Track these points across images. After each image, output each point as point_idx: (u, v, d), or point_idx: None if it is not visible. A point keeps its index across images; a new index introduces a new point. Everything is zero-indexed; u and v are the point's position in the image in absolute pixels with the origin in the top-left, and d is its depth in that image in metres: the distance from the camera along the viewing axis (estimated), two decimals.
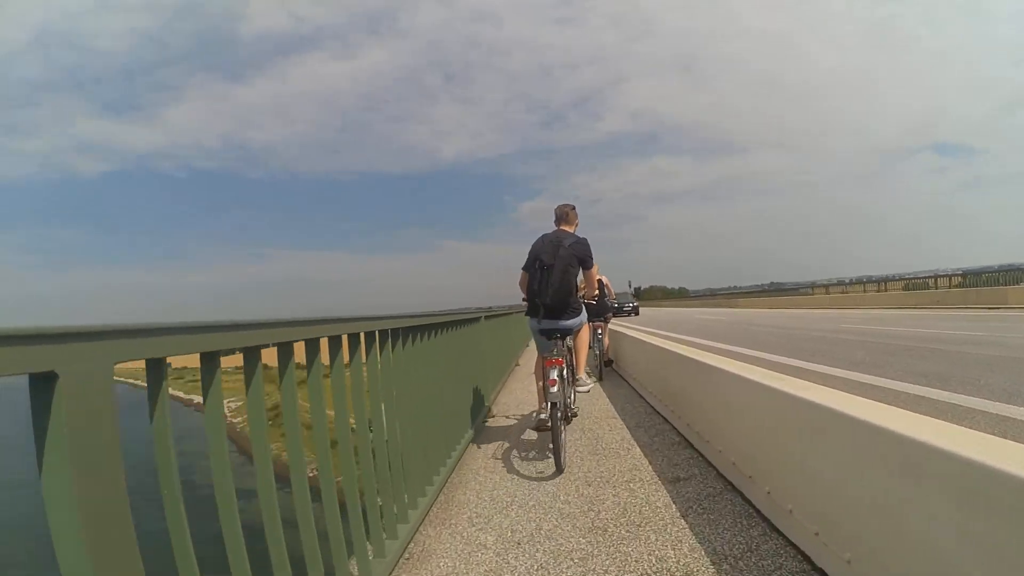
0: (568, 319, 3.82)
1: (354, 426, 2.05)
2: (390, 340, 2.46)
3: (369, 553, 1.98)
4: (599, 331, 6.96)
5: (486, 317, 5.44)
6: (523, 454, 3.81)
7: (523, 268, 3.93)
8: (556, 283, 3.67)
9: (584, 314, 4.03)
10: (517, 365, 8.86)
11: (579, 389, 4.29)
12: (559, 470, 3.23)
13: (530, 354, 11.72)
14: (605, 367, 7.30)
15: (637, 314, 28.98)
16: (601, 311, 6.87)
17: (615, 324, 8.29)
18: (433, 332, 3.22)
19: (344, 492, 1.90)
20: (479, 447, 4.06)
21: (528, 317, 3.92)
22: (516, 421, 4.97)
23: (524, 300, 4.06)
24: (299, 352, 1.71)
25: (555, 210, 4.06)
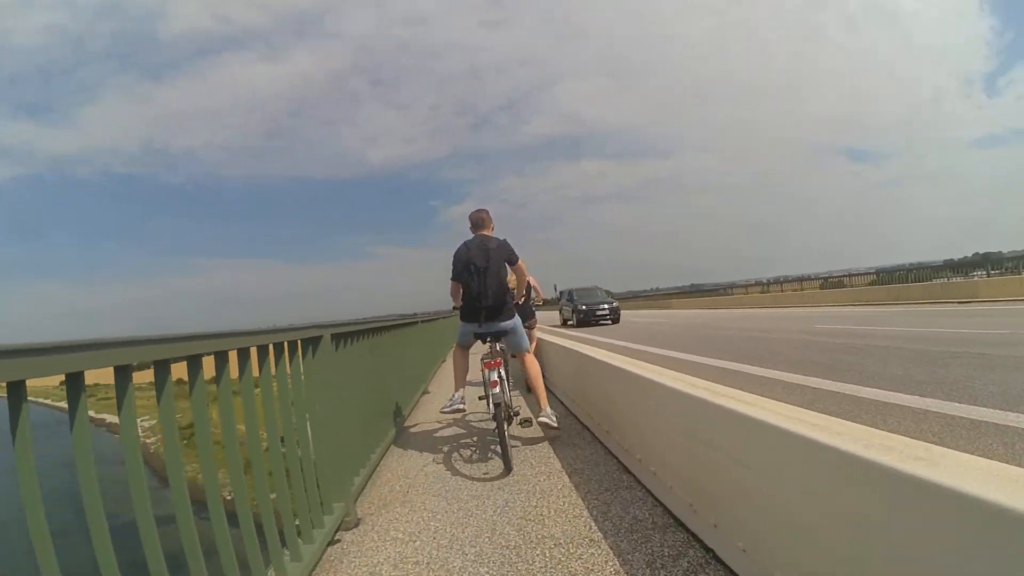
0: (506, 320, 3.99)
1: (265, 440, 2.08)
2: (299, 351, 2.52)
3: (287, 557, 2.05)
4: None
5: (395, 325, 5.21)
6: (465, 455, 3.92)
7: (452, 278, 4.07)
8: (494, 284, 3.87)
9: (517, 316, 4.15)
10: (427, 392, 6.98)
11: (542, 419, 3.95)
12: (507, 469, 3.32)
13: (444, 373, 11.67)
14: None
15: (616, 322, 20.16)
16: (523, 316, 5.38)
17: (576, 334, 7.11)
18: (350, 340, 3.28)
19: (259, 505, 1.94)
20: (403, 450, 4.15)
21: (463, 323, 4.08)
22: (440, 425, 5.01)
23: (455, 308, 4.24)
24: (208, 367, 1.75)
25: (470, 217, 4.21)
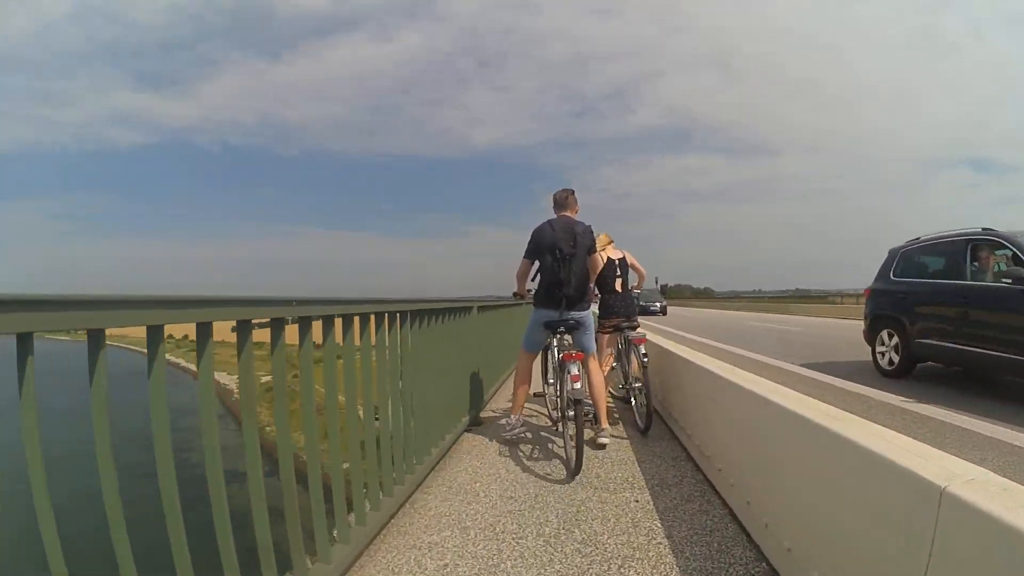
0: (583, 309, 3.78)
1: (344, 406, 2.16)
2: (398, 322, 2.72)
3: (351, 522, 2.13)
4: (635, 344, 4.19)
5: (482, 308, 5.13)
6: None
7: (526, 256, 3.81)
8: (579, 272, 3.66)
9: (591, 309, 3.92)
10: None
11: (600, 439, 3.71)
12: (576, 470, 3.13)
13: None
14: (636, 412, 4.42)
15: (664, 314, 26.41)
16: (626, 309, 4.59)
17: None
18: (437, 317, 3.34)
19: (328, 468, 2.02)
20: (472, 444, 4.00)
21: (537, 309, 3.82)
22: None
23: (517, 295, 4.08)
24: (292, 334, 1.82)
25: (555, 196, 3.91)
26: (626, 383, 4.52)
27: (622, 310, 4.55)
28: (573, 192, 3.91)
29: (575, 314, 3.70)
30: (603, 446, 3.66)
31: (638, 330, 4.46)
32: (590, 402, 3.70)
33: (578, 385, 3.27)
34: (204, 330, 1.39)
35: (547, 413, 4.63)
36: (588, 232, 3.77)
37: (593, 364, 3.85)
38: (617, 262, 4.59)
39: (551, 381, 4.36)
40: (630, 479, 3.10)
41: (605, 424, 3.77)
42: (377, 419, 2.46)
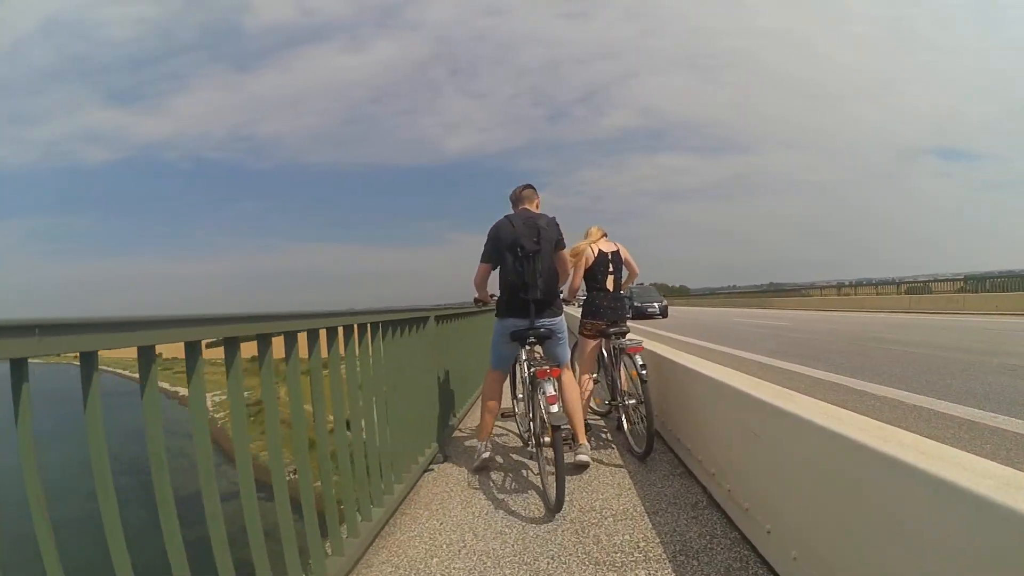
0: (555, 315, 3.36)
1: (331, 423, 2.16)
2: (369, 334, 2.63)
3: (328, 550, 2.07)
4: (629, 354, 3.57)
5: (440, 317, 4.61)
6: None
7: (484, 260, 3.39)
8: (547, 271, 3.25)
9: (563, 315, 3.48)
10: None
11: (579, 456, 3.27)
12: (557, 506, 2.65)
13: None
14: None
15: (664, 316, 22.46)
16: (615, 312, 3.99)
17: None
18: (408, 328, 3.20)
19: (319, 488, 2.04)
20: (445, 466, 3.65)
21: (500, 320, 3.38)
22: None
23: (479, 301, 3.67)
24: (278, 347, 1.82)
25: (511, 194, 3.56)
26: (614, 400, 3.90)
27: (610, 312, 3.90)
28: (531, 186, 3.54)
29: (546, 321, 3.28)
30: (584, 465, 3.25)
31: (631, 336, 3.78)
32: (569, 426, 3.20)
33: (556, 408, 2.81)
34: (193, 349, 1.40)
35: (518, 432, 4.17)
36: (553, 225, 3.34)
37: (567, 376, 3.38)
38: (610, 256, 3.96)
39: (520, 396, 4.00)
40: (638, 541, 2.34)
41: (583, 439, 3.33)
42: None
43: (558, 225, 3.38)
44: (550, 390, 2.90)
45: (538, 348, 3.32)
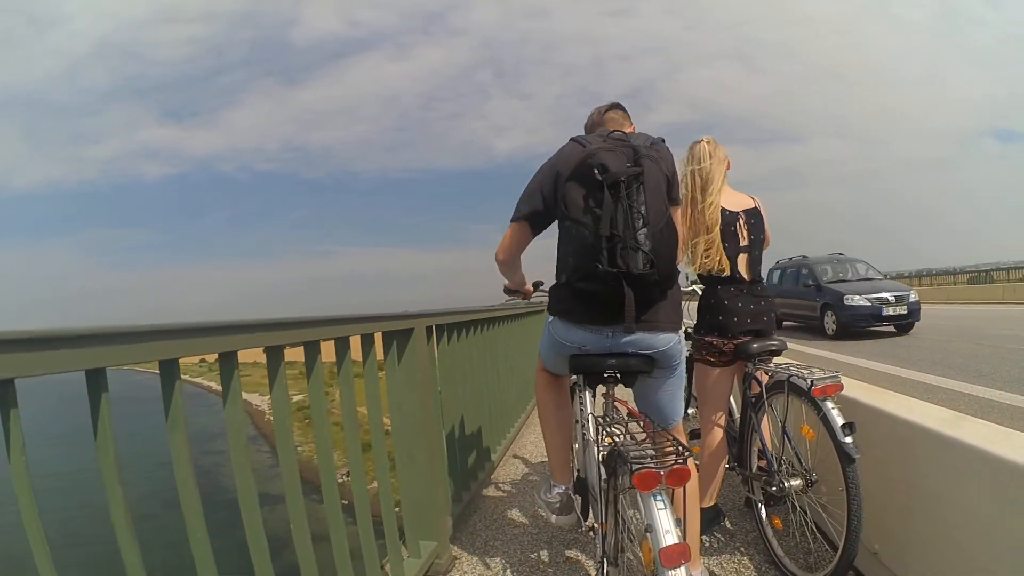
0: (669, 330, 1.75)
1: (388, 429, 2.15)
2: (434, 335, 2.55)
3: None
4: (814, 398, 1.88)
5: (516, 315, 4.61)
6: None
7: (516, 215, 1.84)
8: (655, 216, 1.58)
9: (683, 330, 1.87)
10: None
11: None
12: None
13: None
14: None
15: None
16: (759, 316, 2.30)
17: None
18: (455, 332, 2.94)
19: (378, 499, 2.01)
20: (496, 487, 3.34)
21: (557, 320, 1.81)
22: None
23: (511, 291, 2.27)
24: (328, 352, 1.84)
25: (588, 120, 2.08)
26: (744, 469, 2.32)
27: (751, 319, 2.23)
28: (620, 106, 2.03)
29: (656, 338, 1.71)
30: None
31: (813, 370, 1.99)
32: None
33: (671, 540, 1.25)
34: (228, 360, 1.34)
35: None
36: (665, 151, 1.76)
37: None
38: (742, 217, 2.25)
39: (575, 446, 2.09)
40: None
41: (698, 561, 1.98)
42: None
43: (670, 154, 1.79)
44: (658, 506, 1.29)
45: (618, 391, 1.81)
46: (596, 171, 1.56)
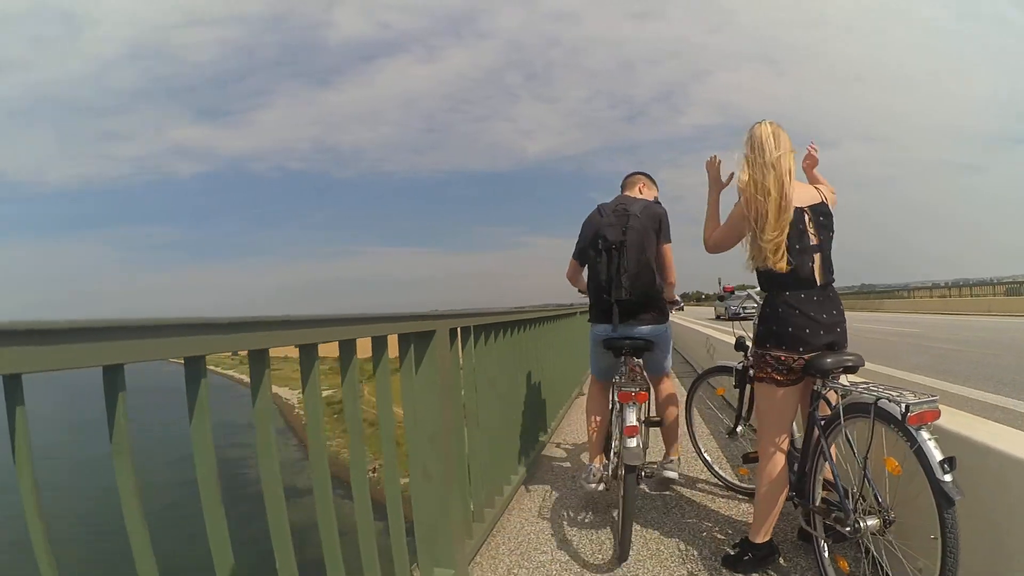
0: (649, 323, 2.93)
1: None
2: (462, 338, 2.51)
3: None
4: (910, 427, 1.65)
5: (552, 318, 4.77)
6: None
7: (573, 256, 3.18)
8: (633, 266, 2.80)
9: (669, 322, 3.07)
10: (582, 395, 6.03)
11: (666, 473, 2.96)
12: (621, 555, 2.39)
13: None
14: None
15: None
16: (831, 333, 2.08)
17: None
18: (501, 331, 3.04)
19: (410, 501, 1.98)
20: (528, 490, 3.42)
21: (592, 326, 3.10)
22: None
23: (580, 291, 3.36)
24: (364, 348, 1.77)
25: (624, 180, 3.29)
26: (804, 500, 2.14)
27: (824, 331, 2.05)
28: (641, 173, 3.26)
29: (644, 330, 2.91)
30: (670, 480, 2.97)
31: (903, 392, 1.75)
32: (650, 466, 2.93)
33: (633, 443, 2.46)
34: (259, 358, 1.29)
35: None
36: (651, 212, 2.91)
37: (667, 383, 3.15)
38: (808, 213, 2.12)
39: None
40: None
41: (675, 454, 3.08)
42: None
43: (662, 213, 2.95)
44: (630, 419, 2.52)
45: (638, 362, 2.94)
46: (599, 242, 2.87)
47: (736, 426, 3.03)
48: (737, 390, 2.96)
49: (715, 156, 2.48)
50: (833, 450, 2.02)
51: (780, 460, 2.12)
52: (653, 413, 3.15)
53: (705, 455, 3.38)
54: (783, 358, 2.05)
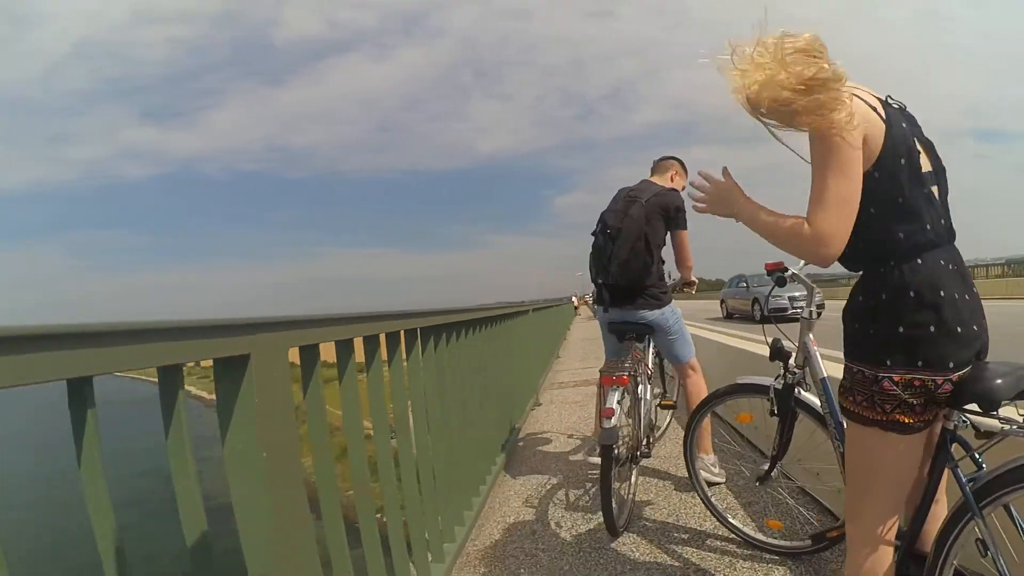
0: (643, 308, 2.98)
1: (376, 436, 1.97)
2: (419, 340, 2.33)
3: None
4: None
5: (503, 315, 4.55)
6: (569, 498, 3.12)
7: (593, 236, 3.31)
8: (624, 253, 2.88)
9: (670, 306, 3.07)
10: (539, 405, 5.88)
11: (707, 475, 2.81)
12: (612, 533, 2.51)
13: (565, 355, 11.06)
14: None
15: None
16: (979, 339, 1.20)
17: None
18: (462, 331, 2.94)
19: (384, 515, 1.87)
20: (513, 478, 3.52)
21: (598, 309, 3.27)
22: (558, 440, 4.35)
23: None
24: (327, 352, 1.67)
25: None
26: None
27: (977, 323, 1.19)
28: (672, 158, 3.25)
29: (640, 314, 2.99)
30: (710, 482, 2.83)
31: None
32: (622, 446, 2.68)
33: (610, 422, 2.49)
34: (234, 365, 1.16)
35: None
36: (660, 199, 2.95)
37: (693, 377, 3.08)
38: (933, 166, 1.26)
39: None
40: None
41: (704, 452, 2.88)
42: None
43: (677, 201, 2.98)
44: (607, 400, 2.56)
45: (642, 347, 3.06)
46: (602, 225, 3.00)
47: (771, 469, 2.15)
48: (776, 419, 2.06)
49: (724, 169, 1.47)
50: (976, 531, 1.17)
51: (886, 556, 1.30)
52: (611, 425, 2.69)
53: (714, 501, 2.54)
54: (919, 381, 1.16)
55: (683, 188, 3.15)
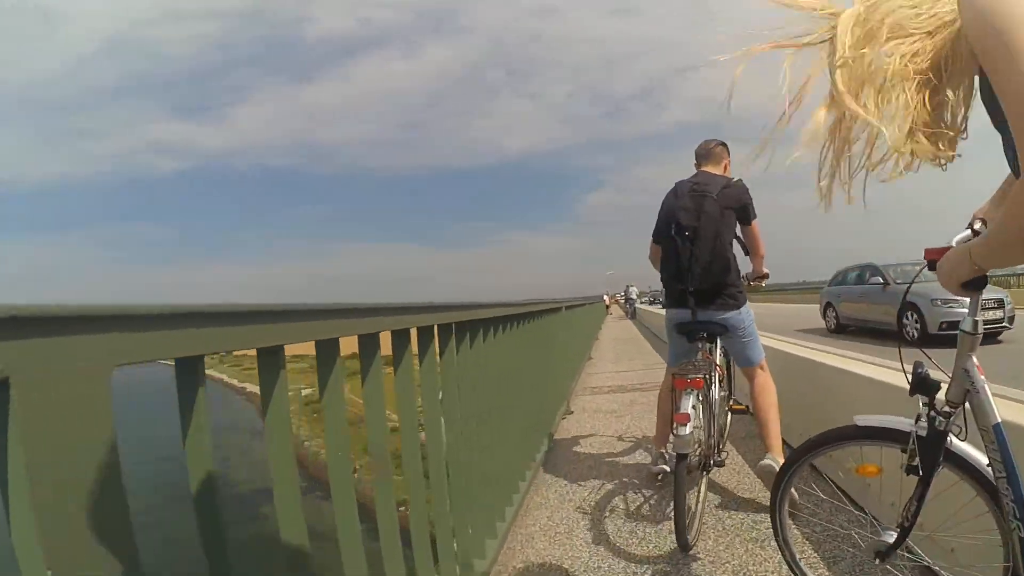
0: (723, 310, 2.84)
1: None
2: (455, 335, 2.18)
3: None
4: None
5: (535, 312, 4.30)
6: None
7: (652, 238, 3.14)
8: (706, 254, 2.74)
9: (746, 306, 2.93)
10: (570, 413, 5.44)
11: (762, 463, 2.74)
12: (683, 547, 2.28)
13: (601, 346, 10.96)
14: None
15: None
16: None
17: None
18: (490, 329, 2.67)
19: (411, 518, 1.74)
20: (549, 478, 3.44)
21: (667, 311, 3.11)
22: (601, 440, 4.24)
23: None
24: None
25: (696, 149, 3.11)
26: None
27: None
28: (721, 143, 3.07)
29: (716, 315, 2.83)
30: (770, 471, 2.61)
31: None
32: (696, 454, 2.55)
33: (684, 431, 2.32)
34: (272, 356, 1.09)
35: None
36: (731, 192, 2.83)
37: (761, 377, 2.91)
38: None
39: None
40: None
41: (776, 453, 2.73)
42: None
43: (746, 196, 2.86)
44: (682, 405, 2.40)
45: (713, 347, 2.93)
46: (673, 227, 2.81)
47: (899, 543, 1.44)
48: (912, 476, 1.36)
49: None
50: None
51: None
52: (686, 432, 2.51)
53: None
54: None
55: (737, 179, 2.96)
